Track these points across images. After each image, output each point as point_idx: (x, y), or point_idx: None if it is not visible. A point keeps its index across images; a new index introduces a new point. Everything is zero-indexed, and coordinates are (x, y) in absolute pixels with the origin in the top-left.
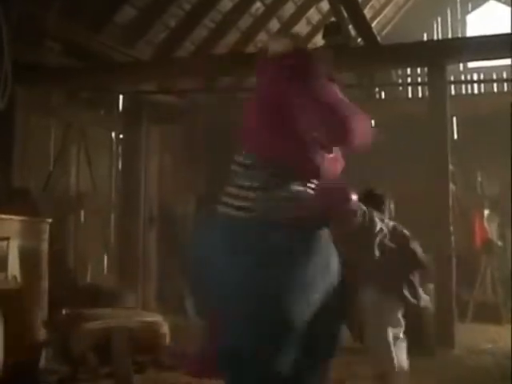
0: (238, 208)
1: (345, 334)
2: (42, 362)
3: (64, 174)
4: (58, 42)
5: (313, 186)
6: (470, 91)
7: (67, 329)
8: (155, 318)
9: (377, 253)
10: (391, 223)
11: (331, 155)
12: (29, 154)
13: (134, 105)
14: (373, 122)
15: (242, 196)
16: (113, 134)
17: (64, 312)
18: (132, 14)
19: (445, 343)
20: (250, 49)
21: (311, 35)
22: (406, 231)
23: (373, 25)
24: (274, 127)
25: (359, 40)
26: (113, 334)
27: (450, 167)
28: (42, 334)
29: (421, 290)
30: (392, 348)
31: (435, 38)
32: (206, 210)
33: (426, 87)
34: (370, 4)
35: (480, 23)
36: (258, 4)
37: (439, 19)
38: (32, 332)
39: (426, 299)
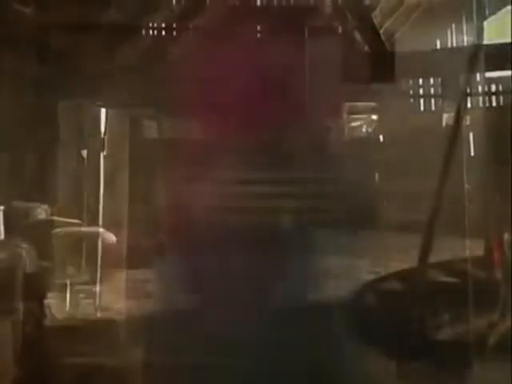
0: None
1: None
2: None
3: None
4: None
5: None
6: (488, 104)
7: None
8: None
9: None
10: None
11: None
12: None
13: None
14: (381, 136)
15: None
16: None
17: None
18: None
19: None
20: None
21: None
22: None
23: (381, 31)
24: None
25: (366, 47)
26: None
27: (466, 186)
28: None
29: None
30: None
31: (449, 45)
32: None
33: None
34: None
35: (498, 29)
36: None
37: (453, 25)
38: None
39: None
